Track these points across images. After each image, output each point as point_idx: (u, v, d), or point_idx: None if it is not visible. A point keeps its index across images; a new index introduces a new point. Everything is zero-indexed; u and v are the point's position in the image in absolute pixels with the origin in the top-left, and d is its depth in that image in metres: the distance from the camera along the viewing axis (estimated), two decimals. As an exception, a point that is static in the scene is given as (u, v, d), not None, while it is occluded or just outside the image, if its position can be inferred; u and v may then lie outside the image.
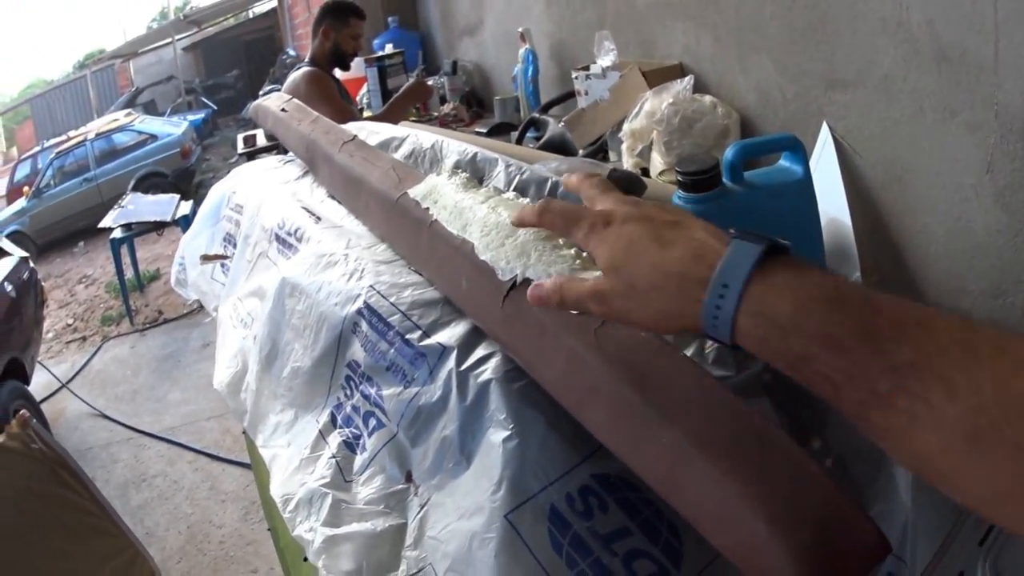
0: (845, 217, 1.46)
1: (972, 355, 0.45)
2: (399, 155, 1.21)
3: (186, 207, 6.71)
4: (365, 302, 0.90)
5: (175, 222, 6.55)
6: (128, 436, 4.52)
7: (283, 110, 1.41)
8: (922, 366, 0.46)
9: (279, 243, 1.16)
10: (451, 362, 0.77)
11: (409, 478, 0.81)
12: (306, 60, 3.36)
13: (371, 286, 0.91)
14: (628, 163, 1.94)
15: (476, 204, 0.79)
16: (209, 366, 4.77)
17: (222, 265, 1.41)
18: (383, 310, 0.87)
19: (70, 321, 7.27)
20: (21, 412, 2.07)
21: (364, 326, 0.89)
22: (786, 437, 0.53)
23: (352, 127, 1.42)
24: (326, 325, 0.95)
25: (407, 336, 0.83)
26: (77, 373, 5.73)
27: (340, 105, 3.05)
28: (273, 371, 1.03)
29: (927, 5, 1.26)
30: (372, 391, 0.87)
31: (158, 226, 6.71)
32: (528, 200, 0.85)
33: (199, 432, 4.37)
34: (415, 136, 1.22)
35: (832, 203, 1.47)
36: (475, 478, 0.71)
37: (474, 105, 3.53)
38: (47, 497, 1.96)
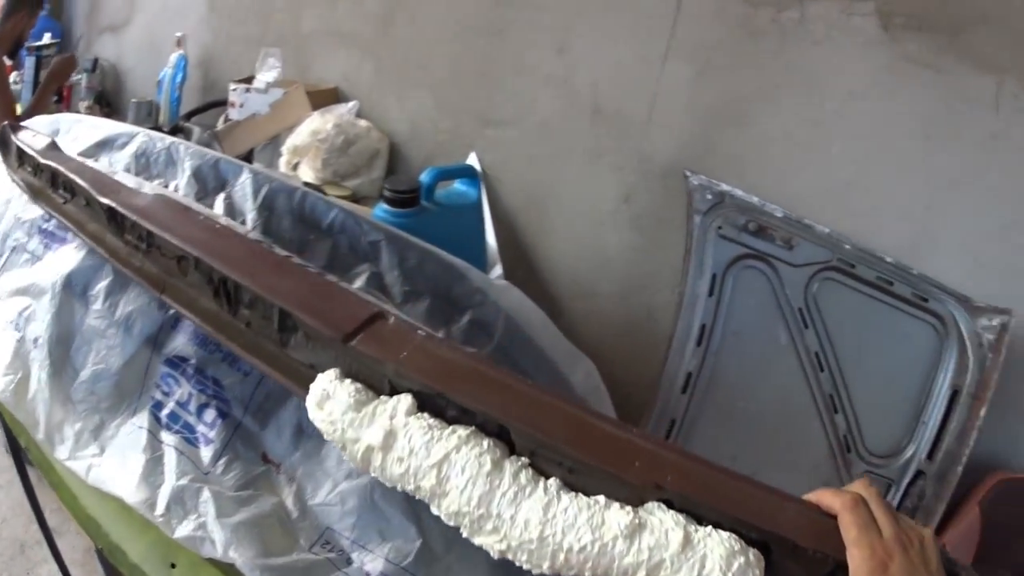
0: (492, 237, 1.79)
1: None
2: (125, 154, 1.15)
3: None
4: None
5: None
6: None
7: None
8: None
9: (43, 236, 1.06)
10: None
11: (266, 459, 0.85)
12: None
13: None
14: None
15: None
16: None
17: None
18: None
19: None
20: None
21: (192, 318, 0.87)
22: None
23: (65, 121, 1.31)
24: (139, 322, 0.92)
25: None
26: None
27: (11, 95, 2.71)
28: (66, 376, 0.96)
29: (595, 71, 1.63)
30: (208, 383, 0.88)
31: None
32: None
33: None
34: (146, 135, 1.16)
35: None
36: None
37: (104, 105, 3.30)
38: None
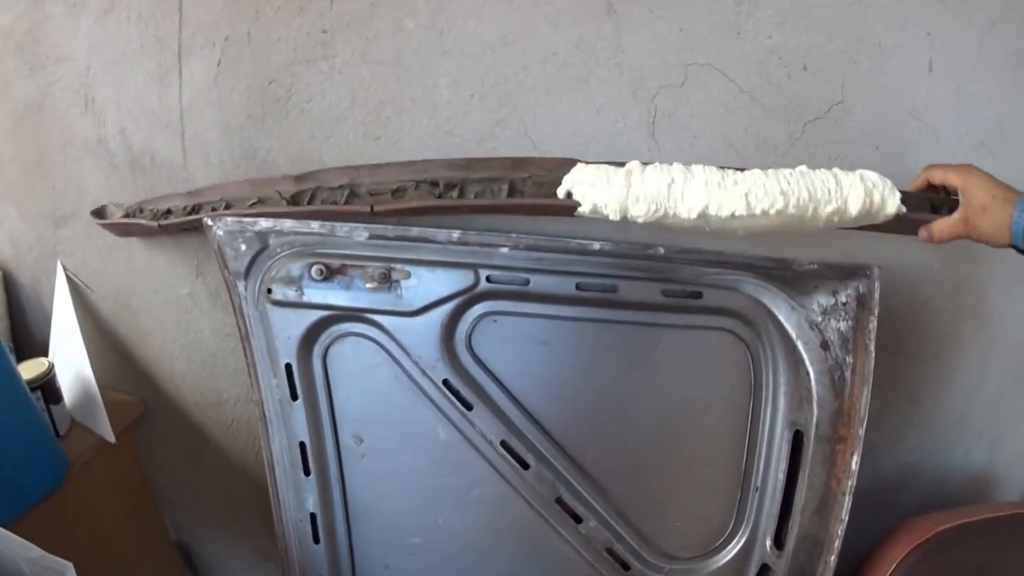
0: (85, 361, 1.29)
1: None
2: None
3: None
4: None
5: None
6: None
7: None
8: None
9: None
10: None
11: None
12: None
13: None
14: None
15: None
16: None
17: None
18: None
19: None
20: None
21: None
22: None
23: None
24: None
25: None
26: None
27: None
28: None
29: (120, 114, 1.21)
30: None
31: None
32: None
33: None
34: None
35: (73, 348, 1.31)
36: None
37: None
38: None
